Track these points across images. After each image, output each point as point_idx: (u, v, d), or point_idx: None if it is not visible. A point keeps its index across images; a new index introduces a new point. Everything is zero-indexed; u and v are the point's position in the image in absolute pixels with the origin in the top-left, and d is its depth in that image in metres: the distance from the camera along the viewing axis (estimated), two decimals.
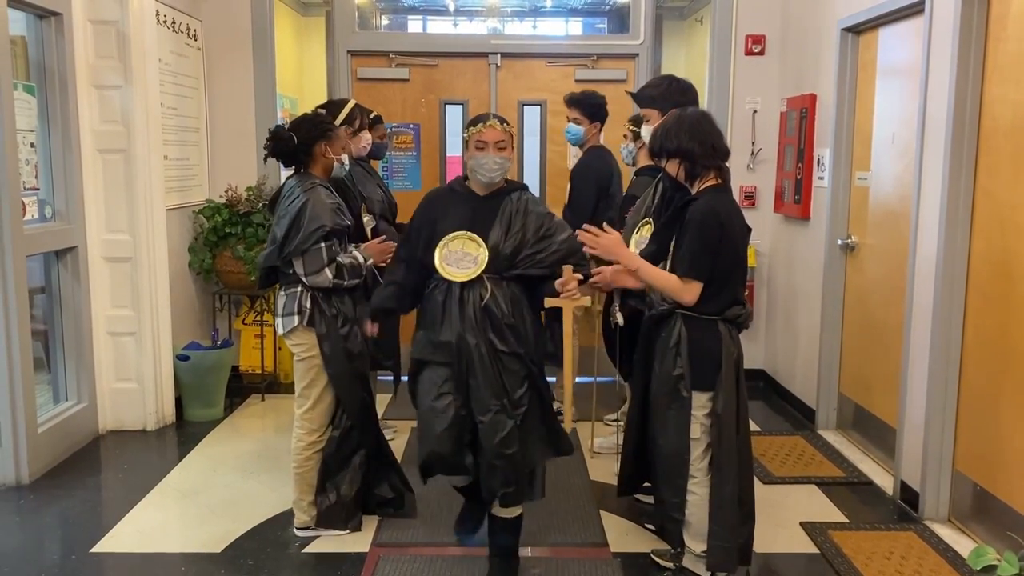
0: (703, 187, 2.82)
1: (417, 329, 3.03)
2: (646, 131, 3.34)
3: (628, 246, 3.22)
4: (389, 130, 5.36)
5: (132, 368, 4.47)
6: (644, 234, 3.24)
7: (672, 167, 2.84)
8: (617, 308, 3.32)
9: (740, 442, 2.84)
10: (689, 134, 2.78)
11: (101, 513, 3.55)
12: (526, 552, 3.19)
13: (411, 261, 3.02)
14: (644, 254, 3.08)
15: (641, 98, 3.44)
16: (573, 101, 4.41)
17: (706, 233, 2.72)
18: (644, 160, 3.89)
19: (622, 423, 4.03)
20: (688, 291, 2.75)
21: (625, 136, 4.11)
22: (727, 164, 2.89)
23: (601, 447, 4.24)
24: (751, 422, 4.65)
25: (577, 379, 5.17)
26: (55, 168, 4.11)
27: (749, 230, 2.91)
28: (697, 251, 2.73)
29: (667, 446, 2.87)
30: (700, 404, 2.79)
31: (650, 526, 3.36)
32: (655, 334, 2.92)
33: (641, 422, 3.07)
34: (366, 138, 3.87)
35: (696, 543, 2.85)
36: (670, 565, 3.03)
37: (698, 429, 2.80)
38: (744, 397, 2.87)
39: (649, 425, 3.00)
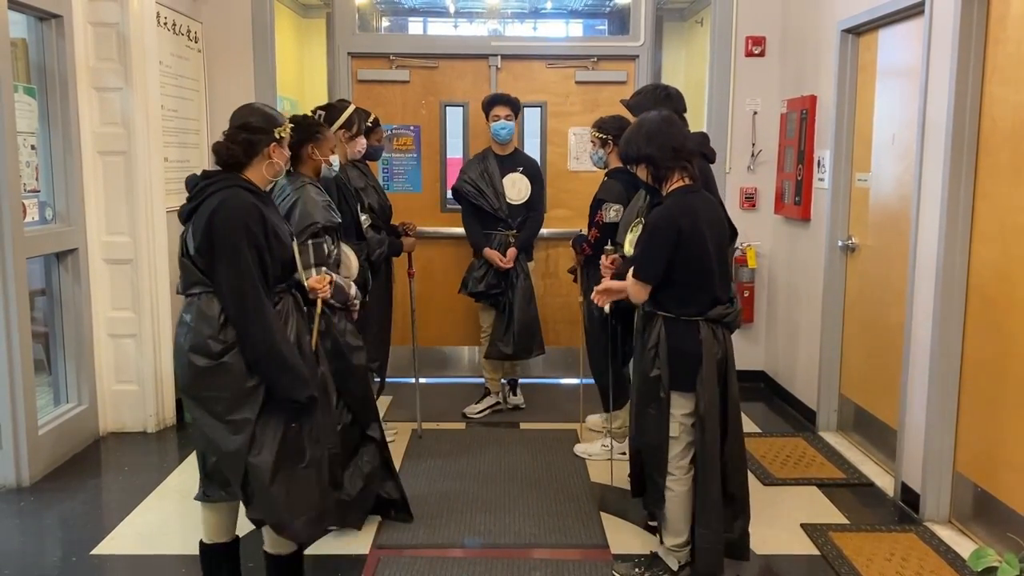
0: (671, 189, 2.89)
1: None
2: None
3: (624, 244, 3.48)
4: (389, 132, 5.38)
5: (133, 370, 4.47)
6: (637, 232, 3.37)
7: (641, 172, 2.94)
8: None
9: (731, 440, 2.88)
10: (647, 139, 2.86)
11: (101, 515, 3.56)
12: (526, 553, 3.19)
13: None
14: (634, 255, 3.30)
15: (629, 106, 3.57)
16: (507, 101, 4.68)
17: (657, 237, 2.80)
18: (615, 163, 3.97)
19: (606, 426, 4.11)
20: (635, 290, 2.86)
21: (593, 143, 4.15)
22: (702, 162, 2.96)
23: (586, 453, 4.23)
24: (752, 424, 4.70)
25: (566, 380, 5.29)
26: (56, 170, 4.11)
27: (733, 231, 2.97)
28: (646, 254, 2.83)
29: (649, 444, 2.93)
30: (679, 404, 2.84)
31: (654, 523, 3.36)
32: (642, 333, 2.99)
33: None
34: (361, 143, 3.89)
35: (670, 537, 2.93)
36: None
37: (677, 428, 2.85)
38: (734, 396, 2.90)
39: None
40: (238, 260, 2.44)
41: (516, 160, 4.77)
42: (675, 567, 2.95)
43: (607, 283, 3.08)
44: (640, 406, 2.95)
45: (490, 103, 4.69)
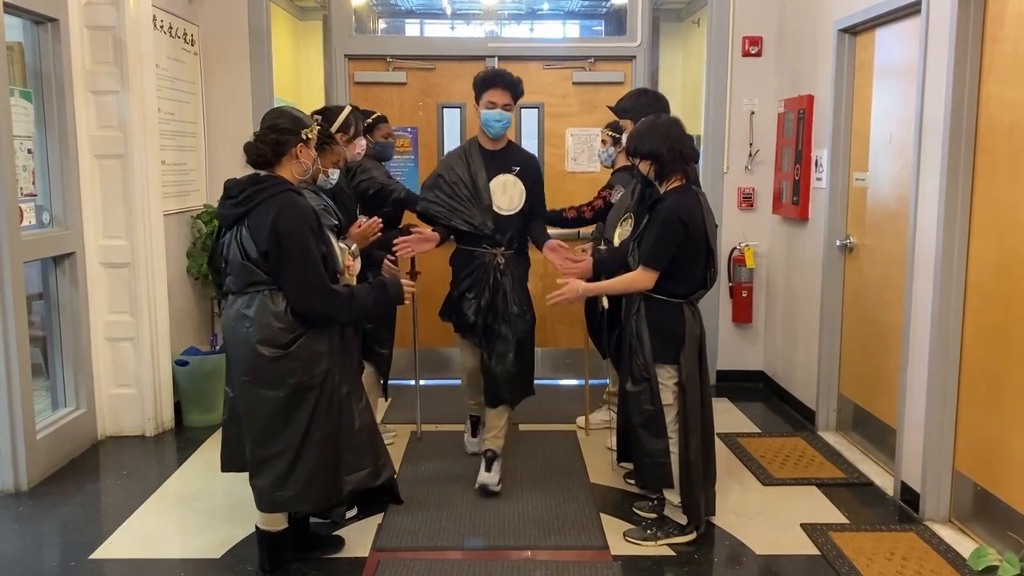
0: (670, 188, 3.17)
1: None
2: (626, 137, 3.66)
3: (613, 239, 3.79)
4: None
5: (131, 374, 4.46)
6: (626, 228, 3.65)
7: (644, 167, 3.20)
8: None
9: (704, 411, 3.26)
10: (660, 139, 3.12)
11: (100, 519, 3.55)
12: (526, 555, 3.19)
13: None
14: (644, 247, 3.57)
15: (617, 110, 3.73)
16: (508, 83, 3.62)
17: (668, 231, 3.08)
18: (622, 162, 4.15)
19: (611, 403, 4.34)
20: (645, 279, 3.14)
21: (604, 141, 4.27)
22: (695, 165, 3.23)
23: (592, 422, 4.58)
24: (751, 424, 4.71)
25: (565, 381, 5.30)
26: (52, 174, 4.10)
27: (715, 225, 3.25)
28: (658, 246, 3.10)
29: (644, 412, 3.24)
30: (669, 375, 3.19)
31: (631, 480, 3.77)
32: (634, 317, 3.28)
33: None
34: (360, 144, 3.88)
35: (673, 495, 3.27)
36: (652, 515, 3.43)
37: (670, 396, 3.20)
38: (707, 370, 3.30)
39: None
40: (307, 259, 2.69)
41: (510, 157, 3.72)
42: (684, 522, 3.26)
43: (589, 286, 3.30)
44: (633, 383, 3.25)
45: (485, 83, 3.61)
